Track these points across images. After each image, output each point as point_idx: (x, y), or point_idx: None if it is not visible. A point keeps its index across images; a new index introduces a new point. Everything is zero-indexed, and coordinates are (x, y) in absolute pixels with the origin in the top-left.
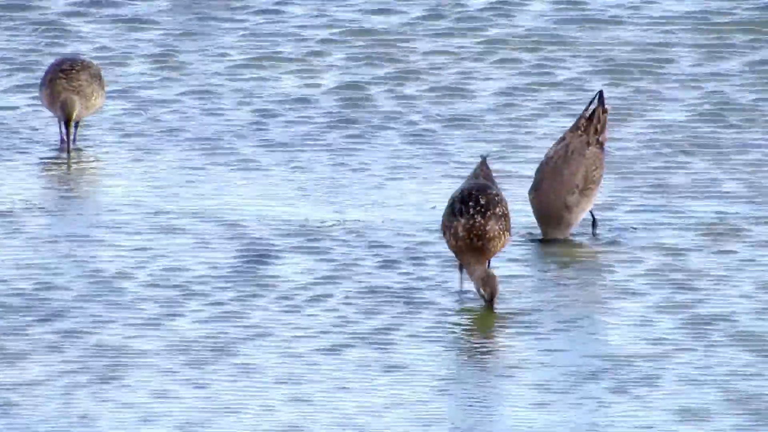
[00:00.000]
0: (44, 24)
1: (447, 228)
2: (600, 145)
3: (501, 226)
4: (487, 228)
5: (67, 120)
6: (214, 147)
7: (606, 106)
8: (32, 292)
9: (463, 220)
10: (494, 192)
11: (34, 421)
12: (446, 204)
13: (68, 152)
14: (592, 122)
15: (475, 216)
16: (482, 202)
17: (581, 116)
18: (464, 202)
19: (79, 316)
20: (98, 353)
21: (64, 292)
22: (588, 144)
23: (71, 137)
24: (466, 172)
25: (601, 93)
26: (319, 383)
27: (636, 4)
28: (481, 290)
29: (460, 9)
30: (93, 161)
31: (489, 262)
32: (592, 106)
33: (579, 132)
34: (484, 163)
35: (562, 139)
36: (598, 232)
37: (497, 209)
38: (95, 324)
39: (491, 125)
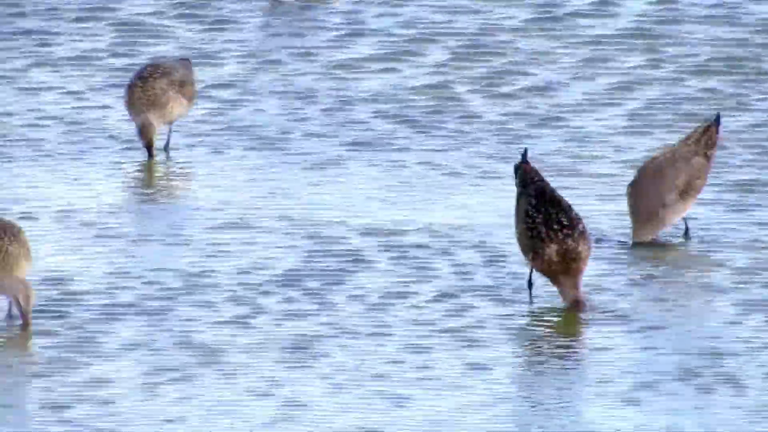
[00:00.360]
0: (128, 24)
1: (536, 253)
2: (707, 158)
3: (587, 243)
4: (579, 250)
5: (147, 146)
6: (296, 148)
7: (720, 133)
8: (118, 291)
9: (554, 246)
10: (566, 203)
11: (128, 417)
12: (518, 210)
13: (166, 152)
14: (704, 135)
15: (566, 240)
16: (565, 222)
17: (695, 130)
18: (548, 225)
19: (167, 314)
20: (186, 350)
21: (151, 290)
22: (696, 154)
23: (167, 141)
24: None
25: (718, 116)
26: (404, 383)
27: None
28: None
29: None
30: (179, 162)
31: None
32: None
33: (689, 141)
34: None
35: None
36: (688, 238)
37: (579, 225)
38: (183, 322)
39: (577, 126)
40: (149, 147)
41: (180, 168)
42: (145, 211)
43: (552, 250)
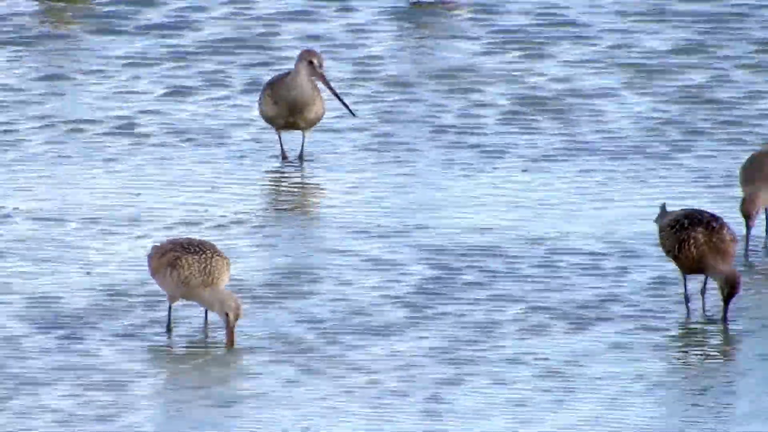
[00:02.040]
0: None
1: (682, 242)
2: None
3: (732, 232)
4: (724, 232)
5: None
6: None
7: None
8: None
9: (700, 229)
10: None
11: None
12: (663, 226)
13: (300, 160)
14: None
15: (711, 223)
16: (707, 214)
17: None
18: (690, 217)
19: (311, 323)
20: (331, 359)
21: (304, 296)
22: None
23: (302, 148)
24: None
25: None
26: (546, 390)
27: None
28: (723, 286)
29: None
30: (319, 168)
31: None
32: None
33: None
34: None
35: None
36: None
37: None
38: (328, 329)
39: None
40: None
41: (324, 175)
42: (288, 218)
43: (698, 232)
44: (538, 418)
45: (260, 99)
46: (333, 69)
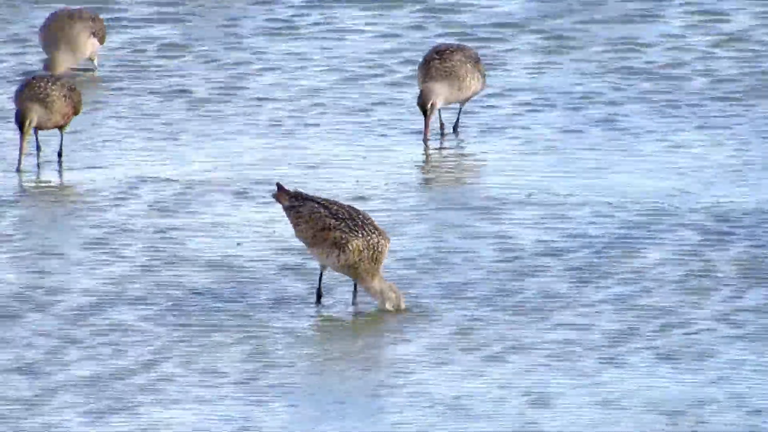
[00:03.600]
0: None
1: None
2: None
3: None
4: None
5: (423, 107)
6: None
7: None
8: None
9: None
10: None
11: None
12: None
13: (455, 131)
14: None
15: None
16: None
17: None
18: None
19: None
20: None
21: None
22: None
23: (457, 121)
24: None
25: None
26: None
27: None
28: None
29: None
30: (468, 147)
31: None
32: None
33: None
34: None
35: None
36: None
37: None
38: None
39: None
40: (424, 108)
41: (474, 154)
42: (436, 195)
43: None
44: None
45: (474, 75)
46: None
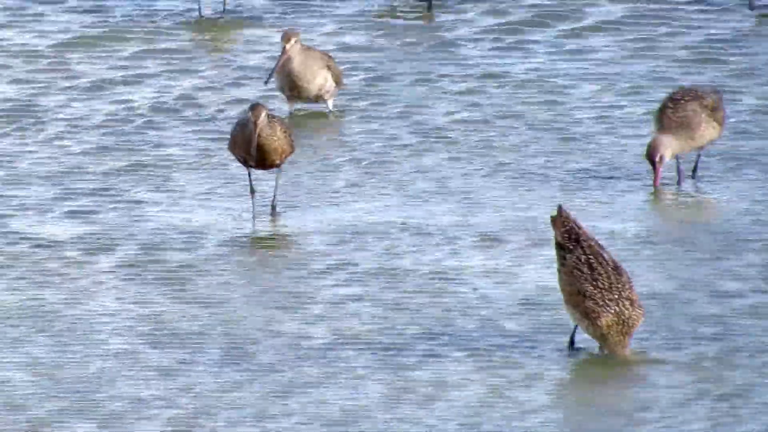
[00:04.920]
0: None
1: None
2: None
3: None
4: None
5: (650, 158)
6: None
7: None
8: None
9: None
10: None
11: None
12: None
13: (693, 175)
14: None
15: None
16: None
17: None
18: None
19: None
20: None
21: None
22: None
23: (695, 166)
24: None
25: None
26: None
27: None
28: None
29: None
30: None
31: None
32: None
33: None
34: None
35: None
36: None
37: None
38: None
39: None
40: (652, 160)
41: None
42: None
43: None
44: None
45: (710, 125)
46: None
